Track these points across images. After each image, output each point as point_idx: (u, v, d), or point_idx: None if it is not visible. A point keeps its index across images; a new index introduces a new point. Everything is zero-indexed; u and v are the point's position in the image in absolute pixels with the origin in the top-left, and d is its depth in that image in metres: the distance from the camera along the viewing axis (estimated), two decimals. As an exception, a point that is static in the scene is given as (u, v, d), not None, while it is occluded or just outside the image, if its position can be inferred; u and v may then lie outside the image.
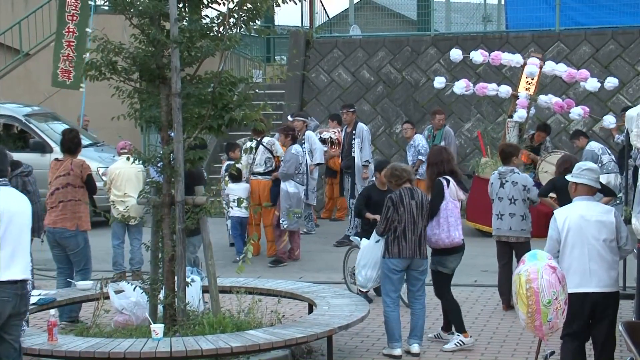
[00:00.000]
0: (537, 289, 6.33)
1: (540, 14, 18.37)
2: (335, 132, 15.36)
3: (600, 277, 6.78)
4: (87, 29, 16.23)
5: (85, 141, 16.51)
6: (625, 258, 9.97)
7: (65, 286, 9.36)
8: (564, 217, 6.89)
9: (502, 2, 21.42)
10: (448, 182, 8.48)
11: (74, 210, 9.38)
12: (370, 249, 8.33)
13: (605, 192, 9.48)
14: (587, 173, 6.98)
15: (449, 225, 8.37)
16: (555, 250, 6.86)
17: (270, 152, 12.79)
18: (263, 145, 12.85)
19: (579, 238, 6.79)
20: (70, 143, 9.63)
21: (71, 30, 16.99)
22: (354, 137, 14.42)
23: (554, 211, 7.15)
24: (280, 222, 12.42)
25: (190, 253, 9.20)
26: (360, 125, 14.62)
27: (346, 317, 7.91)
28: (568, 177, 7.18)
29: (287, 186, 12.33)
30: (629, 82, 17.21)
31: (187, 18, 8.32)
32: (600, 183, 9.59)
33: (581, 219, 6.82)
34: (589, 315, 6.84)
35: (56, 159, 9.77)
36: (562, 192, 8.92)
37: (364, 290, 8.77)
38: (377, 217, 9.17)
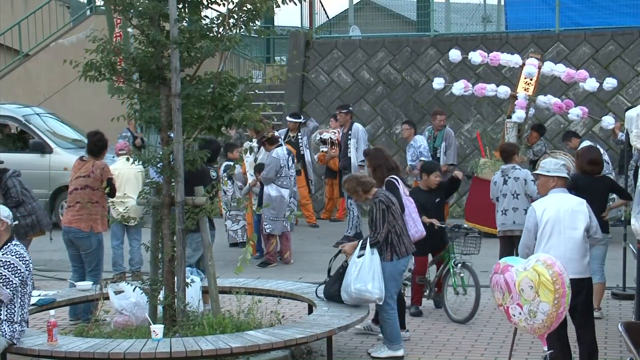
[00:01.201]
0: (560, 271, 6.53)
1: (539, 15, 18.38)
2: (335, 133, 15.38)
3: (575, 265, 7.14)
4: (128, 29, 16.22)
5: (84, 142, 16.60)
6: (625, 258, 10.02)
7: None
8: (542, 208, 7.27)
9: (502, 3, 21.44)
10: (397, 181, 8.76)
11: (90, 212, 9.48)
12: (374, 260, 8.05)
13: (622, 195, 9.55)
14: (564, 168, 7.48)
15: (414, 220, 8.74)
16: (532, 241, 7.27)
17: None
18: None
19: (556, 228, 7.18)
20: (94, 145, 9.73)
21: (118, 34, 16.99)
22: (349, 137, 14.47)
23: (532, 203, 7.49)
24: (264, 226, 12.42)
25: (194, 250, 9.15)
26: (356, 125, 14.65)
27: (346, 317, 7.91)
28: (542, 172, 7.51)
29: (269, 190, 12.27)
30: (629, 83, 17.21)
31: (186, 19, 8.31)
32: (619, 186, 9.75)
33: (559, 210, 7.22)
34: None
35: (81, 159, 9.89)
36: (584, 192, 8.57)
37: (381, 303, 8.13)
38: (434, 220, 9.38)
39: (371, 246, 8.05)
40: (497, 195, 10.24)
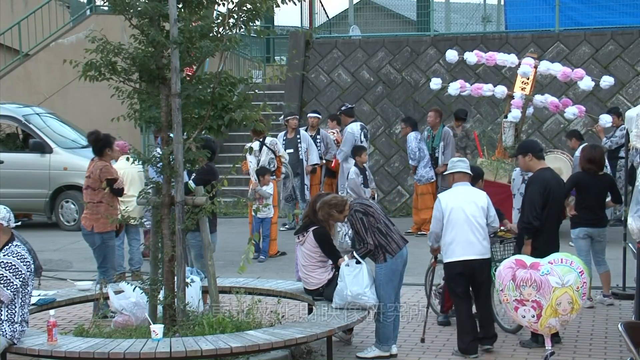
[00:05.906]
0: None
1: (539, 14, 18.37)
2: (334, 133, 15.39)
3: (478, 247, 7.99)
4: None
5: (83, 142, 16.61)
6: (625, 258, 10.01)
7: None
8: (446, 199, 8.11)
9: (502, 3, 21.43)
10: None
11: (93, 211, 9.62)
12: (368, 269, 8.09)
13: (614, 197, 9.66)
14: (460, 163, 8.27)
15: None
16: (440, 228, 8.08)
17: (273, 152, 13.04)
18: (266, 145, 13.03)
19: (461, 215, 7.99)
20: (93, 145, 9.88)
21: None
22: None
23: (439, 195, 8.32)
24: (144, 222, 12.42)
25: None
26: (347, 127, 14.53)
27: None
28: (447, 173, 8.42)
29: None
30: (629, 82, 17.21)
31: (186, 19, 8.31)
32: (616, 187, 9.96)
33: (461, 200, 8.05)
34: (469, 279, 8.08)
35: (92, 159, 10.01)
36: (585, 189, 8.81)
37: (375, 310, 8.13)
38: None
39: (362, 257, 8.08)
40: (515, 192, 10.77)
